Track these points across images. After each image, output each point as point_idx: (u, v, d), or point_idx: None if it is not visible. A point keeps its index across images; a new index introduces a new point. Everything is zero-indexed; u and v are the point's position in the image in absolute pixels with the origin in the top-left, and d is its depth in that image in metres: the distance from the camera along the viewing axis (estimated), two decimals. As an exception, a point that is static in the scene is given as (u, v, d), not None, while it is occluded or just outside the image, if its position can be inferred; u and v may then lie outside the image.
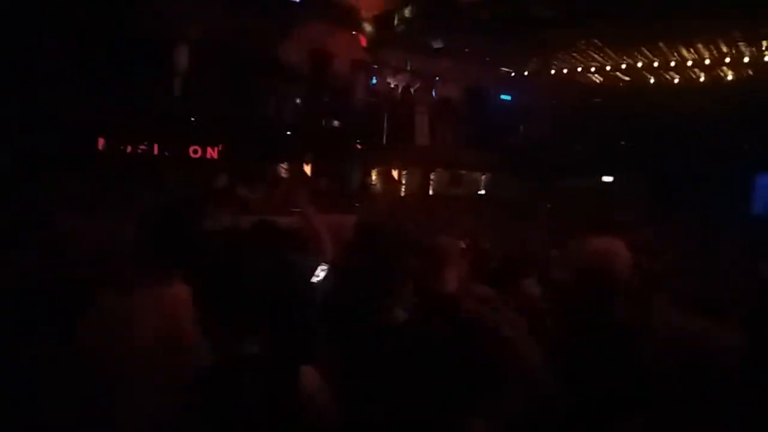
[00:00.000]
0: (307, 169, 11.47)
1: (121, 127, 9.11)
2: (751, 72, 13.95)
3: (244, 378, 1.66)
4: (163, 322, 2.00)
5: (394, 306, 2.47)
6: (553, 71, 15.65)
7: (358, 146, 12.48)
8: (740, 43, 12.55)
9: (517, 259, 4.79)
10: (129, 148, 9.51)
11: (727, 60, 13.57)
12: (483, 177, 16.41)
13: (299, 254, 3.43)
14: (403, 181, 15.24)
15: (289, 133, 11.05)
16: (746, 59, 13.30)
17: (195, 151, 10.21)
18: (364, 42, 13.10)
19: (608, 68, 14.95)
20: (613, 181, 15.26)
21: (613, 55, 14.09)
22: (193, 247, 2.13)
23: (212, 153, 10.07)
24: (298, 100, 11.61)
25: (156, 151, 9.79)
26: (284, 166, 11.39)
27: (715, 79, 14.72)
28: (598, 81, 16.08)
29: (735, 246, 10.47)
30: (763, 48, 12.38)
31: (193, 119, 10.00)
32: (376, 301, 2.49)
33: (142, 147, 9.60)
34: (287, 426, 1.68)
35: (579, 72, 15.44)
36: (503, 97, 15.52)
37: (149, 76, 9.17)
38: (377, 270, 2.68)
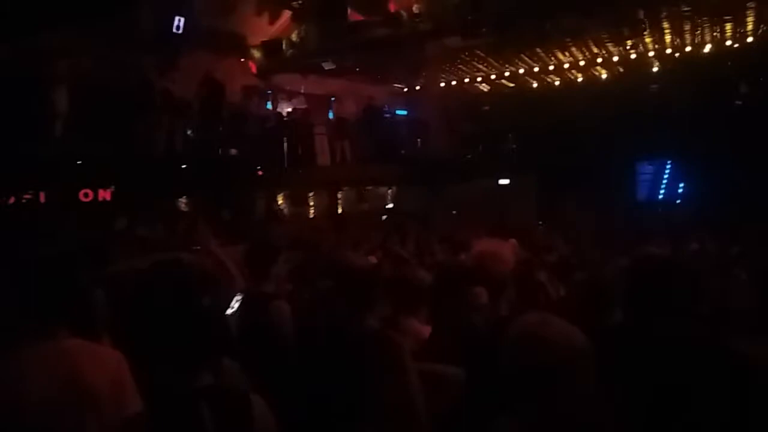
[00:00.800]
0: (208, 201, 11.17)
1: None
2: (621, 69, 15.08)
3: (201, 409, 1.65)
4: (58, 380, 1.89)
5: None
6: (442, 83, 16.22)
7: (260, 173, 12.32)
8: (608, 44, 13.54)
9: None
10: (12, 199, 8.93)
11: (599, 60, 14.60)
12: (389, 191, 16.67)
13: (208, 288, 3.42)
14: (311, 203, 15.21)
15: (183, 166, 10.74)
16: (615, 58, 14.37)
17: (86, 195, 9.72)
18: (254, 68, 13.02)
19: (493, 77, 15.67)
20: (509, 183, 15.93)
21: (495, 63, 14.79)
22: (81, 295, 2.08)
23: (104, 195, 9.61)
24: (189, 132, 11.32)
25: (42, 199, 9.25)
26: (183, 200, 11.05)
27: (591, 79, 15.78)
28: (485, 89, 16.81)
29: (624, 233, 11.19)
30: (628, 47, 13.40)
31: (79, 162, 9.51)
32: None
33: (27, 196, 9.03)
34: None
35: (467, 82, 16.09)
36: (398, 112, 15.88)
37: (26, 120, 8.63)
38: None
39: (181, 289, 1.73)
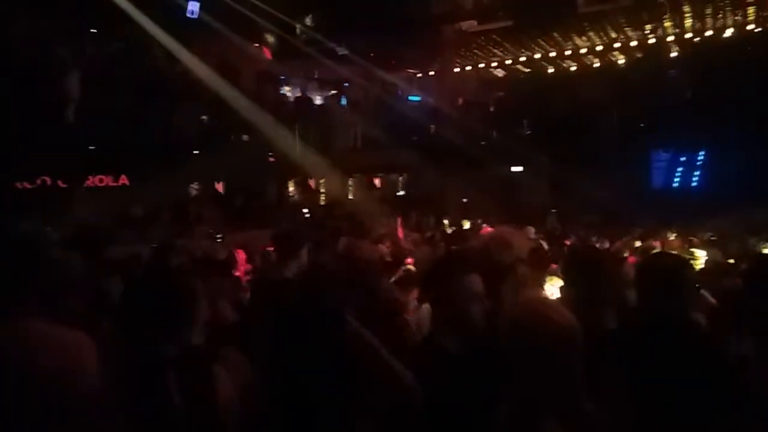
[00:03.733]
0: (220, 186, 11.19)
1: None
2: (639, 55, 14.82)
3: (165, 379, 1.77)
4: (9, 362, 1.91)
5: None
6: (457, 69, 16.06)
7: (271, 159, 12.31)
8: (626, 28, 13.30)
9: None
10: (27, 184, 9.02)
11: (617, 45, 14.36)
12: (400, 178, 16.60)
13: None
14: (322, 190, 15.19)
15: (196, 152, 10.75)
16: (633, 43, 14.12)
17: (101, 180, 9.81)
18: (268, 53, 12.97)
19: (508, 62, 15.49)
20: (522, 171, 15.76)
21: (511, 48, 14.60)
22: (49, 277, 2.11)
23: (117, 181, 9.69)
24: (204, 117, 11.32)
25: (62, 184, 9.35)
26: (195, 186, 11.09)
27: (608, 64, 15.54)
28: (500, 75, 16.63)
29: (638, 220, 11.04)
30: (647, 31, 13.16)
31: (92, 147, 9.56)
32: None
33: (39, 181, 9.11)
34: (205, 424, 1.81)
35: (482, 68, 15.92)
36: (412, 97, 15.74)
37: (37, 105, 8.66)
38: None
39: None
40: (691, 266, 2.82)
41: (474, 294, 2.26)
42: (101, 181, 9.80)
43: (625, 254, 7.60)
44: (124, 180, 9.93)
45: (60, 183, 9.30)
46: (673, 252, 5.79)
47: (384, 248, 7.53)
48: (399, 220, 9.04)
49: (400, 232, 9.01)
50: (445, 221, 12.48)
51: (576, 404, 1.61)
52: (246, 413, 1.90)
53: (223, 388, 1.87)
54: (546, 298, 1.75)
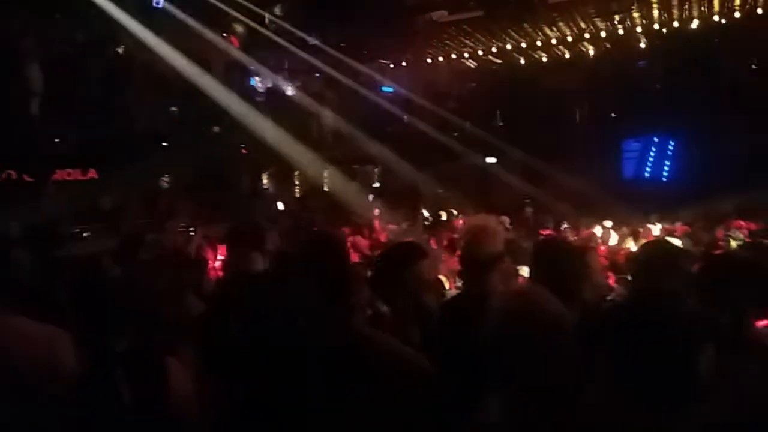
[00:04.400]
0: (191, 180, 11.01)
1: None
2: (608, 45, 14.99)
3: (116, 372, 1.77)
4: None
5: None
6: (429, 60, 16.05)
7: (244, 151, 12.16)
8: (596, 19, 13.41)
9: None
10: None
11: (587, 36, 14.48)
12: (375, 170, 16.55)
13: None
14: (296, 182, 15.07)
15: (165, 144, 10.56)
16: (603, 34, 14.26)
17: (68, 174, 9.57)
18: (236, 43, 12.78)
19: (480, 53, 15.52)
20: (495, 161, 15.86)
21: (482, 39, 14.62)
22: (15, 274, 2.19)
23: (85, 174, 9.46)
24: (173, 109, 11.12)
25: (28, 178, 9.10)
26: (165, 179, 10.89)
27: (579, 55, 15.68)
28: (472, 66, 16.65)
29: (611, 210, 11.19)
30: (616, 22, 13.29)
31: (57, 140, 9.32)
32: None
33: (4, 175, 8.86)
34: (158, 417, 1.80)
35: (453, 58, 15.92)
36: (384, 88, 15.69)
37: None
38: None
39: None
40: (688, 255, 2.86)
41: (426, 282, 2.25)
42: (69, 174, 9.58)
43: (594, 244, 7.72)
44: (92, 173, 9.73)
45: (26, 177, 9.05)
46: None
47: (363, 241, 7.53)
48: (376, 212, 9.04)
49: (377, 224, 9.02)
50: (424, 212, 12.52)
51: (569, 393, 1.57)
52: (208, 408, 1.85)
53: (176, 382, 1.85)
54: (535, 288, 1.73)
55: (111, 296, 1.97)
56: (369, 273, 4.80)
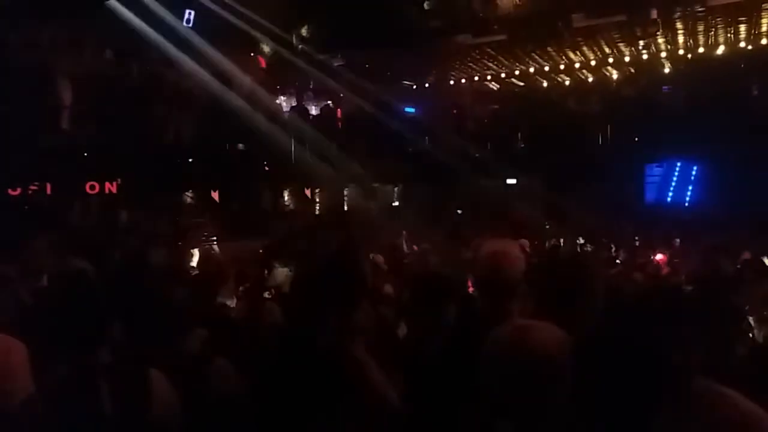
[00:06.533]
0: (215, 195, 11.14)
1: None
2: (632, 70, 14.96)
3: (99, 385, 1.77)
4: None
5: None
6: (452, 81, 16.13)
7: (266, 168, 12.28)
8: (620, 44, 13.41)
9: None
10: (18, 191, 8.92)
11: (611, 60, 14.47)
12: (395, 189, 16.59)
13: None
14: (317, 199, 15.15)
15: (191, 160, 10.71)
16: (627, 58, 14.24)
17: (92, 187, 9.70)
18: (263, 63, 12.99)
19: (503, 75, 15.56)
20: (516, 183, 15.82)
21: (506, 62, 14.67)
22: None
23: (110, 188, 9.59)
24: (200, 126, 11.29)
25: (49, 191, 9.24)
26: (189, 194, 11.02)
27: (602, 79, 15.67)
28: (495, 88, 16.70)
29: (632, 235, 11.08)
30: (641, 47, 13.27)
31: (85, 154, 9.48)
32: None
33: (33, 187, 9.01)
34: (140, 424, 1.81)
35: (476, 81, 15.99)
36: (407, 109, 15.79)
37: (31, 112, 8.60)
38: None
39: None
40: None
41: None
42: (92, 188, 9.71)
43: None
44: (117, 187, 9.85)
45: (54, 189, 9.21)
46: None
47: (380, 258, 7.54)
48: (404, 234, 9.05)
49: (402, 244, 9.03)
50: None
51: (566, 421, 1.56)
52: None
53: (159, 393, 1.86)
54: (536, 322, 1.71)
55: (93, 307, 1.95)
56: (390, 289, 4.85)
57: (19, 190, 8.96)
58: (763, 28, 12.30)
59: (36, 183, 9.01)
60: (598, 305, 2.24)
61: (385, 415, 2.03)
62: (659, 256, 8.55)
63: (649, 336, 1.72)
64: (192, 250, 6.43)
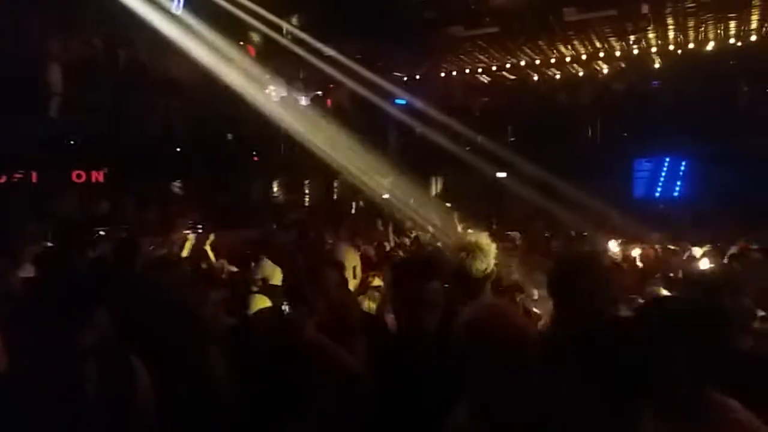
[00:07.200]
0: (203, 185, 11.08)
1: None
2: (623, 65, 15.00)
3: (80, 369, 1.79)
4: None
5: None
6: (443, 74, 16.09)
7: (255, 158, 12.20)
8: (611, 38, 13.44)
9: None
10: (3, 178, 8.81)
11: (601, 54, 14.50)
12: (386, 181, 16.54)
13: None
14: (306, 191, 15.09)
15: (179, 149, 10.60)
16: (617, 53, 14.28)
17: (78, 176, 9.60)
18: (252, 51, 12.87)
19: (494, 68, 15.56)
20: (506, 177, 15.80)
21: (497, 55, 14.66)
22: None
23: (97, 176, 9.49)
24: (186, 114, 11.18)
25: (35, 179, 9.13)
26: (177, 184, 10.95)
27: (592, 73, 15.69)
28: (485, 81, 16.69)
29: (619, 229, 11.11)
30: (631, 42, 13.31)
31: (72, 142, 9.37)
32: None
33: (18, 175, 8.90)
34: (125, 407, 1.85)
35: (467, 73, 15.97)
36: (397, 101, 15.72)
37: (20, 99, 8.46)
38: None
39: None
40: None
41: (431, 302, 2.24)
42: (79, 176, 9.61)
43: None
44: (104, 175, 9.75)
45: (40, 177, 9.10)
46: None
47: (370, 250, 7.54)
48: (390, 226, 9.04)
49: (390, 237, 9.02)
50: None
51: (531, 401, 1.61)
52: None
53: (142, 379, 1.91)
54: (501, 302, 1.77)
55: (78, 291, 1.94)
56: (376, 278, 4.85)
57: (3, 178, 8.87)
58: (753, 25, 12.37)
59: (21, 171, 8.92)
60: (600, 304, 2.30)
61: (349, 380, 2.13)
62: (636, 251, 8.54)
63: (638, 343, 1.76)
64: (181, 240, 6.37)
